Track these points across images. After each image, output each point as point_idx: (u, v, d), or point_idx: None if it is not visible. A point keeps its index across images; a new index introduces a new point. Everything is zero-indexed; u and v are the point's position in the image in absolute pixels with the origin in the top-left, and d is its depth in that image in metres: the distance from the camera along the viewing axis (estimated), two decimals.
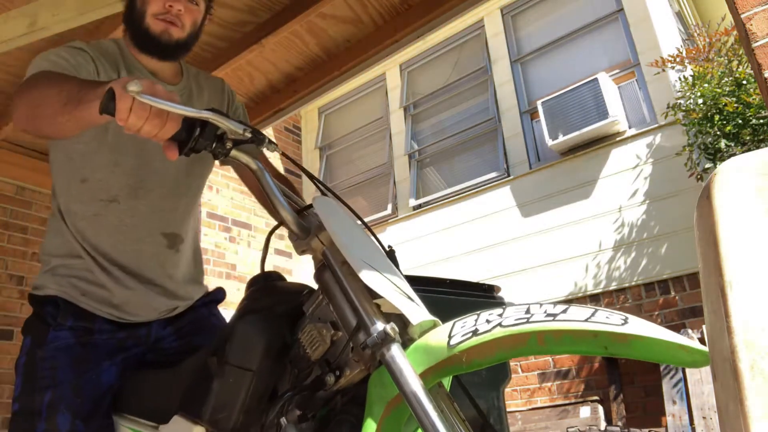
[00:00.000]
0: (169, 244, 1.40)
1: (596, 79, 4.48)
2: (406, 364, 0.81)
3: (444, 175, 5.72)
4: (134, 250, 1.35)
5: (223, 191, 5.55)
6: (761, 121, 3.42)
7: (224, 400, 1.03)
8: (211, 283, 5.20)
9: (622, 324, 0.70)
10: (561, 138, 4.59)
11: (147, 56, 1.34)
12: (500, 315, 0.80)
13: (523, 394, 4.48)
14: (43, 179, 3.83)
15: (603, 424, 3.76)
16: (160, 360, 1.44)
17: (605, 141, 4.55)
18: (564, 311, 0.77)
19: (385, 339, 0.83)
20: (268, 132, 6.41)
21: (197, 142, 0.93)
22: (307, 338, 0.98)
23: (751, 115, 3.45)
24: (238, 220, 5.71)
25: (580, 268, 4.44)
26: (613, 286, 4.27)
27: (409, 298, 0.89)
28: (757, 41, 1.05)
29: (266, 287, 1.13)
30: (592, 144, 4.61)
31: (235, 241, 5.64)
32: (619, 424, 3.79)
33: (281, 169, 7.35)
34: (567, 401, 4.14)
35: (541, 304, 0.81)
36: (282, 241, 6.05)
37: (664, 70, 4.18)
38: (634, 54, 4.66)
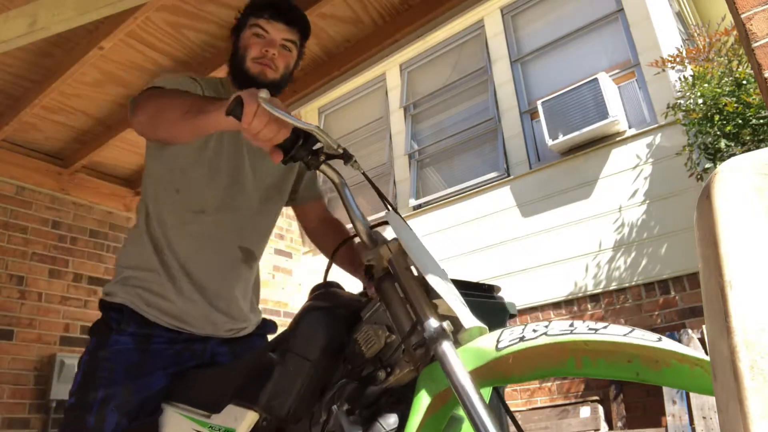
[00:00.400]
0: (244, 258, 1.52)
1: (596, 79, 4.48)
2: (457, 359, 0.88)
3: (444, 175, 5.72)
4: (210, 260, 1.47)
5: None
6: (761, 121, 3.42)
7: (282, 386, 1.12)
8: None
9: (657, 341, 0.77)
10: (561, 138, 4.59)
11: None
12: (546, 326, 0.87)
13: (523, 394, 4.48)
14: (43, 179, 3.84)
15: (603, 425, 3.76)
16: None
17: (605, 141, 4.55)
18: (605, 327, 0.84)
19: (441, 334, 0.92)
20: None
21: (298, 151, 1.08)
22: (363, 337, 1.09)
23: (751, 115, 3.45)
24: None
25: (580, 268, 4.44)
26: (613, 286, 4.27)
27: (463, 304, 0.98)
28: (757, 41, 1.05)
29: (329, 293, 1.24)
30: (592, 144, 4.61)
31: None
32: (620, 424, 3.79)
33: None
34: (567, 401, 4.14)
35: (584, 321, 0.88)
36: (282, 241, 6.05)
37: (664, 70, 4.18)
38: (634, 54, 4.66)
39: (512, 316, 2.56)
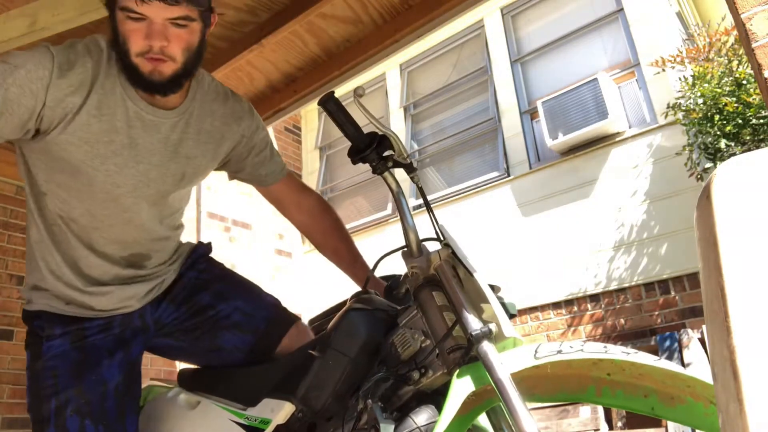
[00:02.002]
0: (135, 263, 1.40)
1: (596, 79, 4.48)
2: (498, 357, 0.93)
3: (444, 175, 5.71)
4: (102, 267, 1.35)
5: (223, 191, 5.55)
6: (761, 121, 3.42)
7: (320, 379, 1.18)
8: None
9: (686, 366, 0.84)
10: (561, 138, 4.59)
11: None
12: (582, 344, 0.93)
13: None
14: None
15: (603, 425, 3.76)
16: (171, 336, 1.45)
17: (605, 141, 4.55)
18: (636, 353, 0.90)
19: (487, 335, 0.97)
20: (268, 132, 6.41)
21: (371, 153, 1.14)
22: (399, 340, 1.15)
23: (751, 115, 3.45)
24: (238, 220, 5.71)
25: (580, 268, 4.44)
26: (613, 286, 4.26)
27: (504, 313, 1.04)
28: (757, 41, 1.05)
29: (370, 298, 1.29)
30: (592, 144, 4.61)
31: (235, 241, 5.64)
32: (620, 424, 3.79)
33: None
34: (567, 401, 4.14)
35: (616, 345, 0.95)
36: (281, 241, 6.05)
37: (664, 70, 4.18)
38: (634, 54, 4.66)
39: (512, 316, 2.55)
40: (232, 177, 1.56)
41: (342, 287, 1.54)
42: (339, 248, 1.59)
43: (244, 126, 1.45)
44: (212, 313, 1.44)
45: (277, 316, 1.50)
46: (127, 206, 1.30)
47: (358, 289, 1.38)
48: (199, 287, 1.48)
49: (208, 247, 1.61)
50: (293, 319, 1.51)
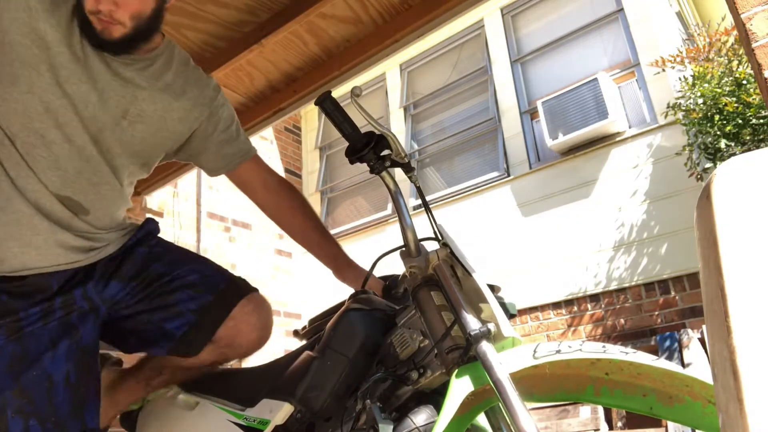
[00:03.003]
0: (72, 207, 1.30)
1: (596, 79, 4.48)
2: (497, 357, 0.94)
3: (444, 175, 5.72)
4: (39, 192, 1.26)
5: (223, 191, 5.55)
6: (761, 121, 3.42)
7: (319, 380, 1.17)
8: None
9: (686, 366, 0.84)
10: (561, 138, 4.59)
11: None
12: (581, 344, 0.93)
13: None
14: None
15: (603, 425, 3.76)
16: (125, 313, 1.36)
17: (605, 141, 4.55)
18: (634, 353, 0.90)
19: (485, 334, 0.97)
20: (268, 132, 6.41)
21: (368, 153, 1.13)
22: (398, 340, 1.15)
23: (751, 115, 3.45)
24: (238, 220, 5.71)
25: (580, 268, 4.44)
26: (613, 286, 4.27)
27: (503, 313, 1.04)
28: (757, 41, 1.05)
29: (368, 297, 1.29)
30: (592, 144, 4.61)
31: (235, 241, 5.64)
32: (620, 424, 3.79)
33: (281, 171, 7.28)
34: (565, 401, 4.14)
35: (615, 345, 0.95)
36: (281, 241, 6.05)
37: (664, 70, 4.18)
38: (634, 54, 4.66)
39: (512, 316, 2.55)
40: (199, 163, 1.51)
41: (342, 287, 1.54)
42: (306, 226, 1.56)
43: (208, 96, 1.43)
44: (167, 279, 1.37)
45: (239, 280, 1.43)
46: (64, 122, 1.24)
47: (358, 289, 1.38)
48: (151, 260, 1.40)
49: (156, 225, 1.52)
50: (253, 288, 1.44)
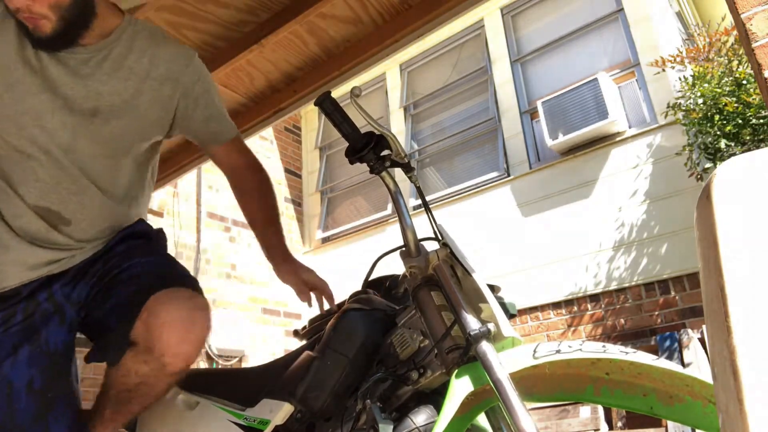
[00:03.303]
0: (49, 220, 1.26)
1: (596, 79, 4.48)
2: (497, 357, 0.94)
3: (444, 175, 5.72)
4: (15, 208, 1.24)
5: (223, 191, 5.54)
6: (761, 121, 3.42)
7: (319, 380, 1.18)
8: (211, 283, 5.20)
9: (686, 366, 0.84)
10: (561, 138, 4.59)
11: None
12: (581, 344, 0.93)
13: None
14: None
15: (603, 425, 3.76)
16: (98, 317, 1.27)
17: (605, 141, 4.55)
18: (634, 353, 0.90)
19: (485, 334, 0.97)
20: (268, 132, 6.41)
21: (368, 153, 1.13)
22: (398, 339, 1.15)
23: (751, 115, 3.45)
24: (238, 220, 5.71)
25: (580, 268, 4.44)
26: (613, 286, 4.27)
27: (503, 313, 1.04)
28: (757, 41, 1.05)
29: (368, 297, 1.29)
30: (592, 144, 4.61)
31: (235, 241, 5.64)
32: (620, 424, 3.79)
33: (281, 170, 7.25)
34: (565, 401, 4.14)
35: (615, 345, 0.95)
36: None
37: (664, 70, 4.18)
38: (634, 54, 4.66)
39: (512, 316, 2.55)
40: (188, 137, 1.48)
41: (341, 288, 1.54)
42: (255, 213, 1.55)
43: (176, 71, 1.35)
44: (116, 271, 1.28)
45: (177, 277, 1.28)
46: (35, 135, 1.22)
47: (357, 289, 1.38)
48: (116, 256, 1.33)
49: (144, 226, 1.41)
50: (189, 284, 1.27)
